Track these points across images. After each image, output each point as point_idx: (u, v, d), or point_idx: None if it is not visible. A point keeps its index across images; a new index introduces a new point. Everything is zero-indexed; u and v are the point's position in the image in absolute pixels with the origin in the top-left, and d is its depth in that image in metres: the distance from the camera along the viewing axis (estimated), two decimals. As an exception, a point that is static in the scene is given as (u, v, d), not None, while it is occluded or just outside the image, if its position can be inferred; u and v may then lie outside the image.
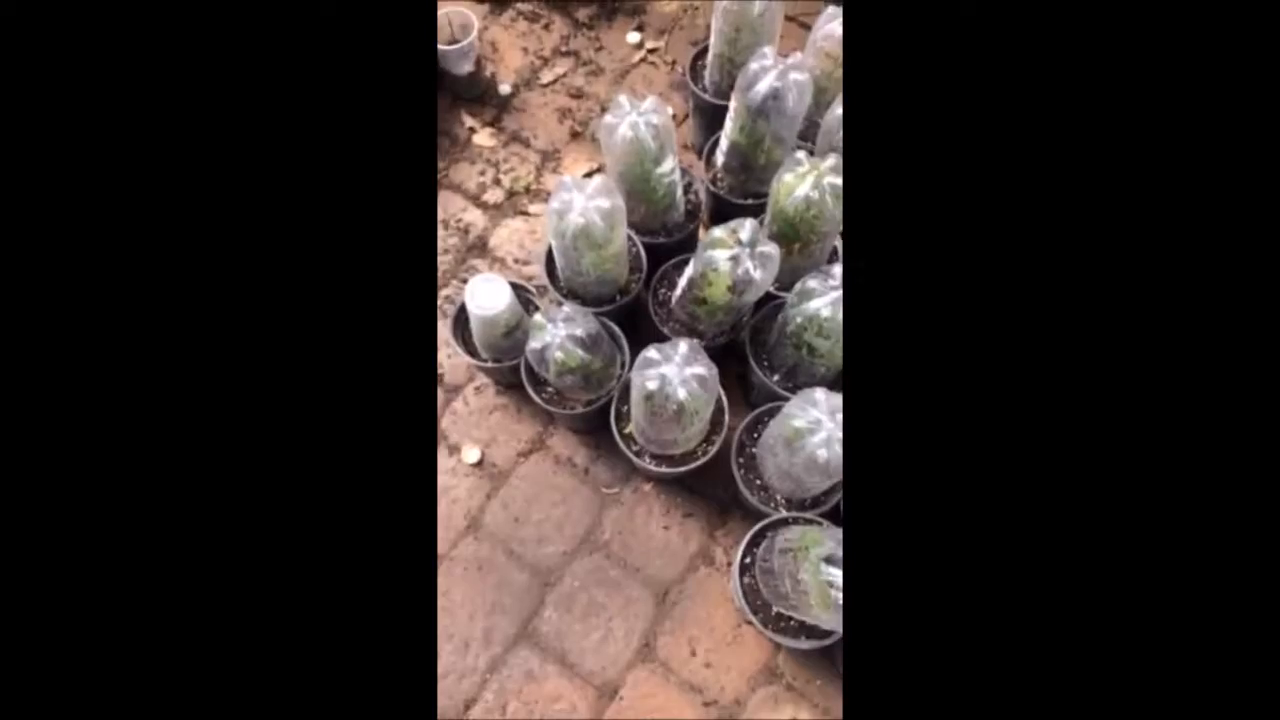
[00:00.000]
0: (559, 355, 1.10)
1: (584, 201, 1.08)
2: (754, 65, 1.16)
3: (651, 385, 1.00)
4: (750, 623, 1.14)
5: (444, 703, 1.18)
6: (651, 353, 1.03)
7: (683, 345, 1.02)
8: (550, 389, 1.25)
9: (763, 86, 1.15)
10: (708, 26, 1.81)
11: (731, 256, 1.06)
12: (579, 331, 1.11)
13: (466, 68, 1.55)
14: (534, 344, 1.12)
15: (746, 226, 1.07)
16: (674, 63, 1.73)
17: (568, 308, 1.13)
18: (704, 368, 1.02)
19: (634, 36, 1.75)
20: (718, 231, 1.09)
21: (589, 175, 1.59)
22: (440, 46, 1.51)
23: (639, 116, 1.15)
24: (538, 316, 1.13)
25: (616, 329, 1.25)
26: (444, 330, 1.42)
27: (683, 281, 1.21)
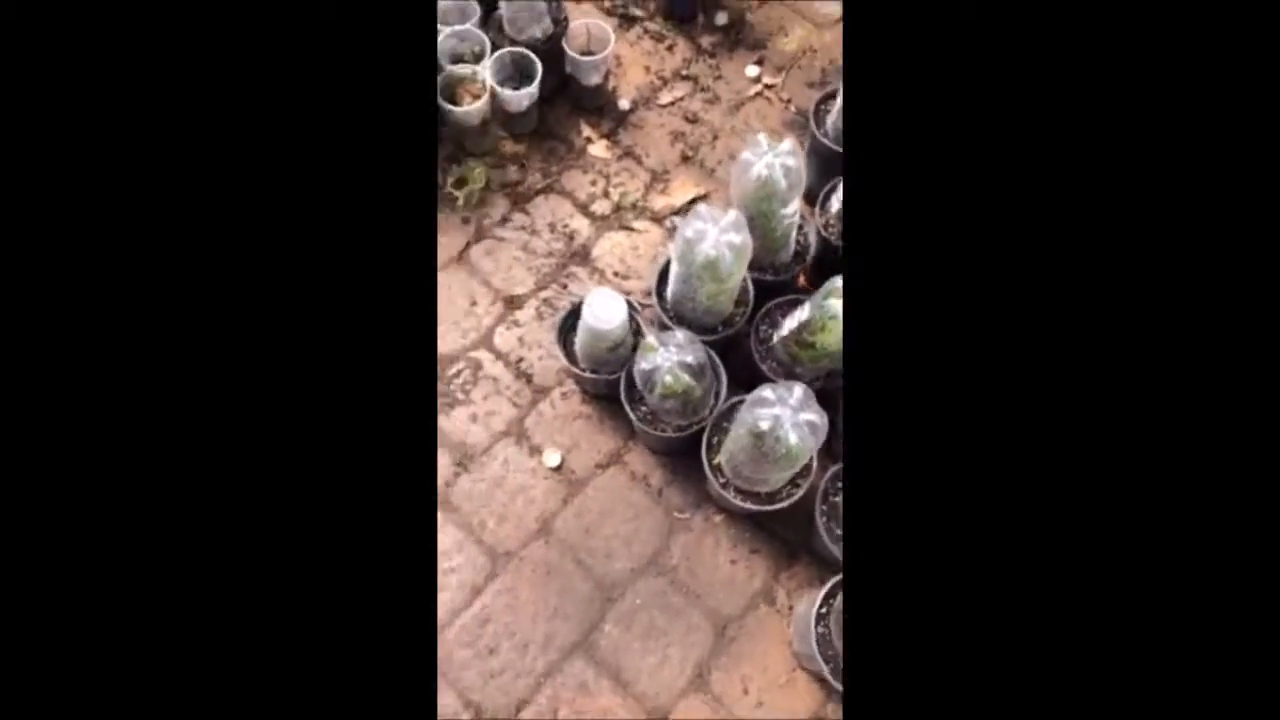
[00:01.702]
0: (668, 379, 1.12)
1: (717, 234, 1.10)
2: (895, 123, 1.18)
3: (764, 425, 1.02)
4: (818, 672, 1.15)
5: (499, 700, 1.20)
6: (766, 392, 1.04)
7: (797, 389, 1.04)
8: (645, 408, 1.26)
9: (901, 146, 1.17)
10: (824, 70, 1.84)
11: (854, 309, 1.07)
12: (689, 358, 1.13)
13: (595, 80, 1.58)
14: (644, 364, 1.14)
15: (873, 282, 1.08)
16: (789, 101, 1.75)
17: (680, 334, 1.15)
18: (816, 415, 1.03)
19: (753, 70, 1.77)
20: (840, 281, 1.11)
21: (694, 201, 1.62)
22: (574, 54, 1.54)
23: (775, 158, 1.17)
24: (650, 338, 1.15)
25: (717, 359, 1.27)
26: (541, 332, 1.44)
27: (790, 323, 1.23)
